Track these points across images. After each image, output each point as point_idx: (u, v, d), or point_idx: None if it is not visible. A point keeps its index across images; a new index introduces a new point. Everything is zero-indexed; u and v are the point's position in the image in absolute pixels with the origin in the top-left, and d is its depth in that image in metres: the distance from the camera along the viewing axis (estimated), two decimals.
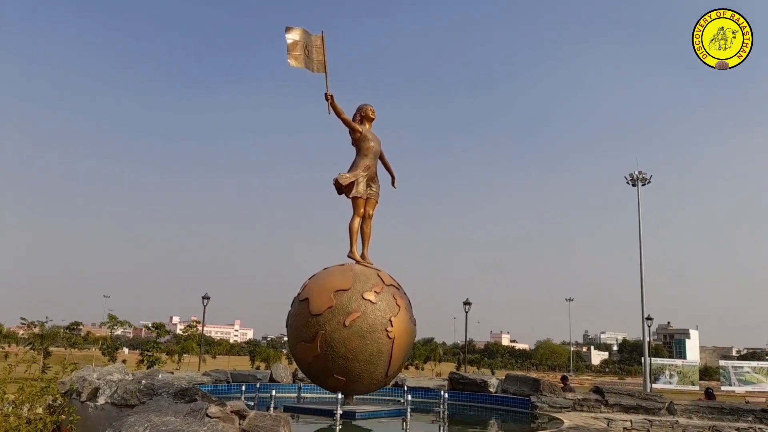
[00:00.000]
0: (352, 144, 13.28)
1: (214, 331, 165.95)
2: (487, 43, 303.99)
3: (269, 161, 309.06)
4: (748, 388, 58.78)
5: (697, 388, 61.03)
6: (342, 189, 12.80)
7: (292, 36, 12.59)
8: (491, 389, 14.50)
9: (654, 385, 50.83)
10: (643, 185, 51.48)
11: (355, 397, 12.09)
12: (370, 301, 11.29)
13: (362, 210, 12.90)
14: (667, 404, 12.33)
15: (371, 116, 13.40)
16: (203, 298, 47.10)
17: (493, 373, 67.02)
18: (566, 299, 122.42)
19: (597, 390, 13.09)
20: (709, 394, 21.53)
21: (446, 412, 11.62)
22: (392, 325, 11.30)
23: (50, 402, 8.63)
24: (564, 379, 23.75)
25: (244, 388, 12.68)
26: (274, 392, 11.48)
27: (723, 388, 61.36)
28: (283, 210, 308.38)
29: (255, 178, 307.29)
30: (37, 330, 39.01)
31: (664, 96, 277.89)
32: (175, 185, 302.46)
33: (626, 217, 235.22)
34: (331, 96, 12.59)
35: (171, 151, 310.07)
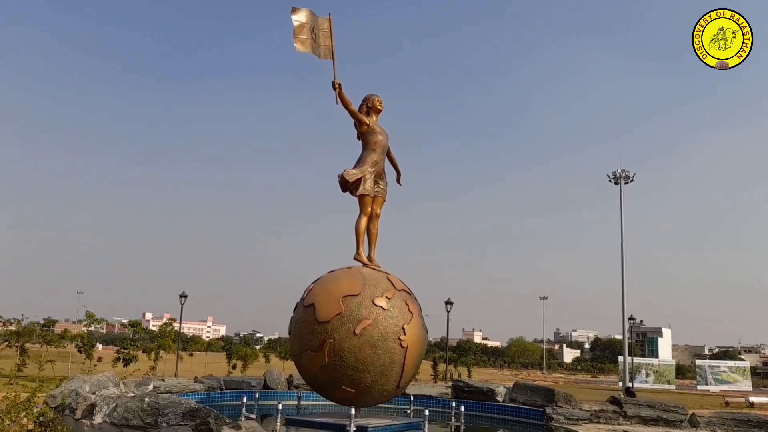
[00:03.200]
0: (358, 138, 12.47)
1: (186, 328, 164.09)
2: (466, 38, 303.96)
3: (241, 157, 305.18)
4: (724, 387, 59.33)
5: (673, 387, 61.53)
6: (347, 186, 11.96)
7: (299, 18, 11.68)
8: (499, 398, 13.89)
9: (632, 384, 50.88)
10: (626, 183, 51.47)
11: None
12: (382, 308, 10.52)
13: (369, 209, 12.09)
14: (689, 416, 11.81)
15: (378, 107, 12.53)
16: (180, 296, 45.71)
17: (470, 373, 66.54)
18: (540, 297, 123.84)
19: (614, 401, 12.53)
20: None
21: (462, 426, 10.94)
22: (405, 334, 10.55)
23: (38, 417, 7.72)
24: None
25: (245, 399, 11.80)
26: (280, 405, 10.59)
27: (698, 387, 62.02)
28: (255, 206, 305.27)
29: (227, 174, 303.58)
30: (13, 327, 37.88)
31: (652, 94, 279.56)
32: (146, 181, 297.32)
33: (603, 216, 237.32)
34: (339, 85, 11.70)
35: (144, 147, 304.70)
